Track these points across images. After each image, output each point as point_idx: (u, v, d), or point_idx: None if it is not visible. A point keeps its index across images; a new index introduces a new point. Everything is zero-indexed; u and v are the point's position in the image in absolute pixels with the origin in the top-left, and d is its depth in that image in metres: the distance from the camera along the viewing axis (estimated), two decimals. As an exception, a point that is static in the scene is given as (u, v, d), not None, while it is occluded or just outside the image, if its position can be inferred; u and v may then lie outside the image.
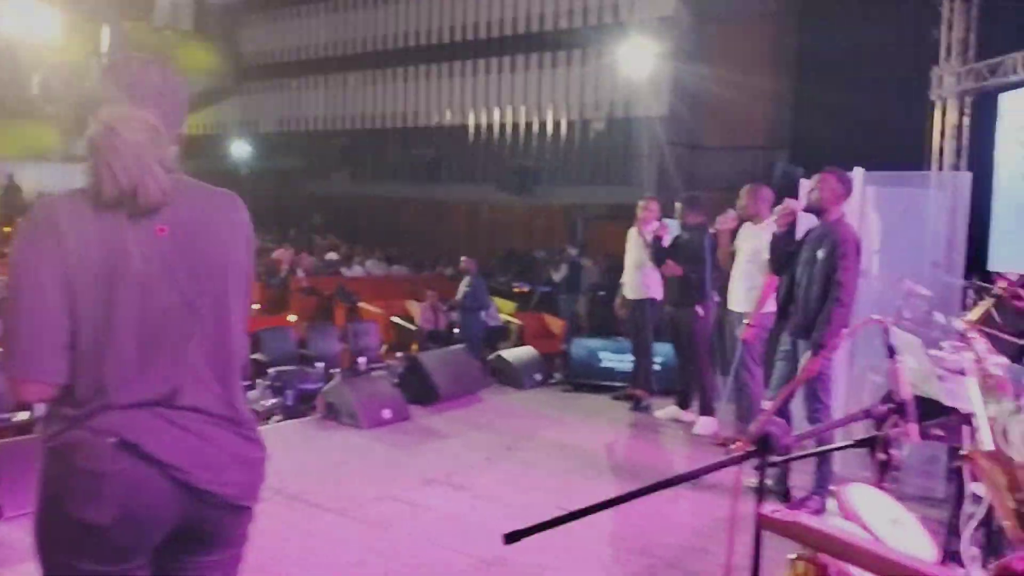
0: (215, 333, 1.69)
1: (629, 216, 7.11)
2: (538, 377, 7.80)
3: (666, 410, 6.61)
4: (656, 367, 7.05)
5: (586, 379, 7.64)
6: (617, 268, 7.80)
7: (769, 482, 1.92)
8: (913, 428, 1.74)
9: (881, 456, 2.10)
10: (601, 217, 14.22)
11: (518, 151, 16.74)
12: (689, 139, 13.33)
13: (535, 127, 16.61)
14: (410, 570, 3.65)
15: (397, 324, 10.69)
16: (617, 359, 7.60)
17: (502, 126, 17.27)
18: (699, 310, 6.21)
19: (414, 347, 9.68)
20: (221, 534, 1.74)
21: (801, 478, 4.64)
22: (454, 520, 4.25)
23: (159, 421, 1.61)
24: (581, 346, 7.91)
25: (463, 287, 10.07)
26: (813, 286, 4.45)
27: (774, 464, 2.37)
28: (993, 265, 8.82)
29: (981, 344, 2.34)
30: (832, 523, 1.82)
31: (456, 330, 10.05)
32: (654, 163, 13.87)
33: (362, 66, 20.87)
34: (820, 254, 4.42)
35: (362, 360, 7.30)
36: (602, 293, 11.50)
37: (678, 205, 6.54)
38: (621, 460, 5.68)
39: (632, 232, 6.82)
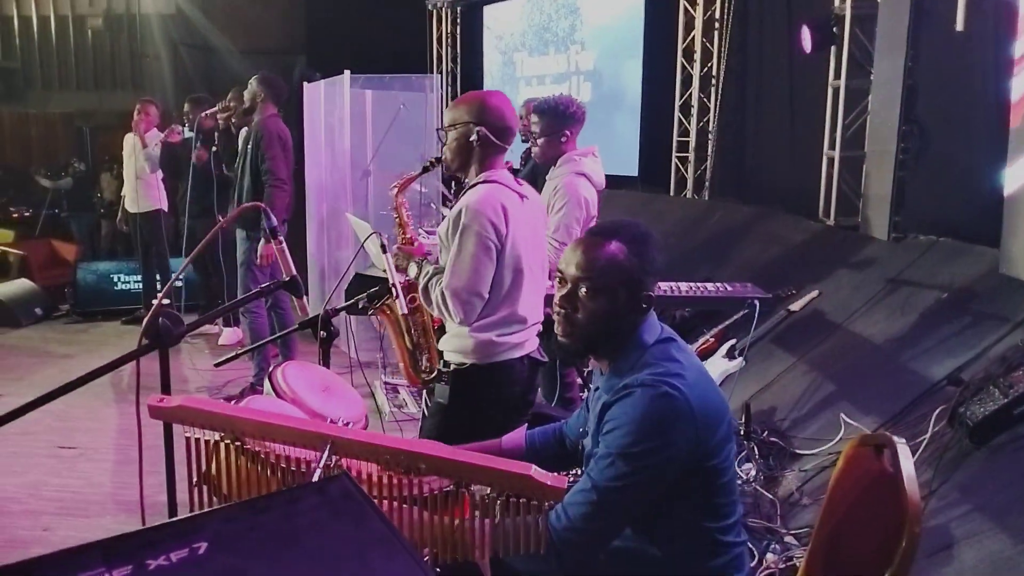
0: None
1: (144, 124, 6.49)
2: (39, 311, 6.91)
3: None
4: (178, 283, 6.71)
5: (98, 307, 6.97)
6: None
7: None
8: (303, 303, 1.89)
9: (322, 333, 2.27)
10: (111, 126, 12.75)
11: (-5, 51, 14.02)
12: (204, 41, 12.54)
13: (16, 23, 14.08)
14: None
15: None
16: (134, 280, 7.04)
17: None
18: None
19: None
20: None
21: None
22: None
23: None
24: (89, 271, 7.16)
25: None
26: (245, 178, 4.78)
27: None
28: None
29: (404, 211, 2.62)
30: (252, 401, 1.92)
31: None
32: (168, 66, 12.82)
33: None
34: (249, 148, 4.79)
35: None
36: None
37: (186, 107, 6.12)
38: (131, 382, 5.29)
39: (129, 139, 6.27)
